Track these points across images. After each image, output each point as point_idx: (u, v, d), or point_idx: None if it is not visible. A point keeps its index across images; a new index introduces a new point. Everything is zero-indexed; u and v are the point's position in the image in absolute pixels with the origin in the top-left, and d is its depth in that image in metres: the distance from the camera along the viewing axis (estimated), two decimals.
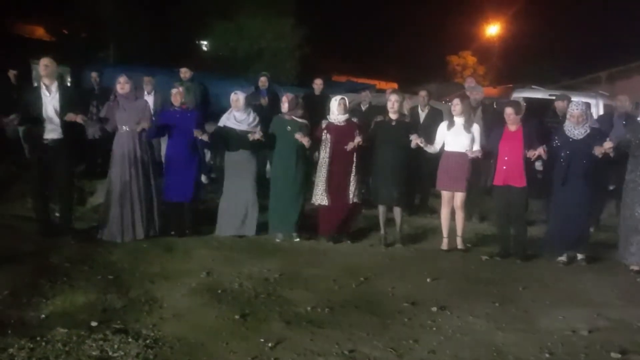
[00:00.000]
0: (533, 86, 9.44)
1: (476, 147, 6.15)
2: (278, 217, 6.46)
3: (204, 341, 3.74)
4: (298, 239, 6.41)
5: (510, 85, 11.06)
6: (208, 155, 8.41)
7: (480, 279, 5.31)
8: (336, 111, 6.34)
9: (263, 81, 8.26)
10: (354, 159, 6.33)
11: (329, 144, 6.35)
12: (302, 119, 6.49)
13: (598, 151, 5.54)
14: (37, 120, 5.83)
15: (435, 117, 7.43)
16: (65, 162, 5.98)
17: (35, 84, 5.94)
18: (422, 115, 7.74)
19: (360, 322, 4.15)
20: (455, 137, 6.21)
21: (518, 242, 6.06)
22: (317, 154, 6.64)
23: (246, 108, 6.47)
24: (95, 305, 4.36)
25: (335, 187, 6.33)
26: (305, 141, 6.21)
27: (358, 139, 6.16)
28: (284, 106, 6.45)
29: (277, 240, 6.38)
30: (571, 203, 5.77)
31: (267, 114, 7.08)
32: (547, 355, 3.75)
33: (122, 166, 6.03)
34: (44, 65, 5.82)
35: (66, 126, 5.84)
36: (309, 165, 6.82)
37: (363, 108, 8.58)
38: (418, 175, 7.19)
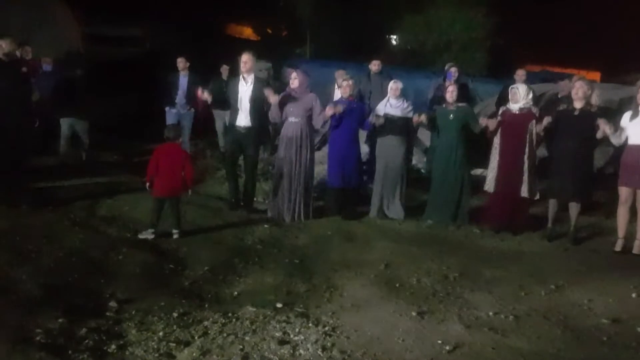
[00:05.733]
0: None
1: None
2: (437, 205, 6.61)
3: (379, 335, 3.70)
4: (452, 227, 6.46)
5: None
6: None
7: None
8: (510, 99, 6.33)
9: (453, 72, 8.27)
10: (527, 150, 6.13)
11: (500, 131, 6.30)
12: (463, 103, 6.74)
13: None
14: (232, 108, 6.61)
15: None
16: (254, 147, 6.63)
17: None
18: None
19: (549, 335, 3.78)
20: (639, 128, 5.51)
21: None
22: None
23: (401, 96, 6.77)
24: (281, 287, 4.59)
25: (505, 176, 6.20)
26: (485, 122, 6.34)
27: (542, 125, 5.98)
28: (453, 95, 6.60)
29: (426, 225, 6.52)
30: None
31: None
32: None
33: (289, 152, 6.48)
34: (243, 62, 6.50)
35: (256, 115, 6.49)
36: (470, 155, 6.80)
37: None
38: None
